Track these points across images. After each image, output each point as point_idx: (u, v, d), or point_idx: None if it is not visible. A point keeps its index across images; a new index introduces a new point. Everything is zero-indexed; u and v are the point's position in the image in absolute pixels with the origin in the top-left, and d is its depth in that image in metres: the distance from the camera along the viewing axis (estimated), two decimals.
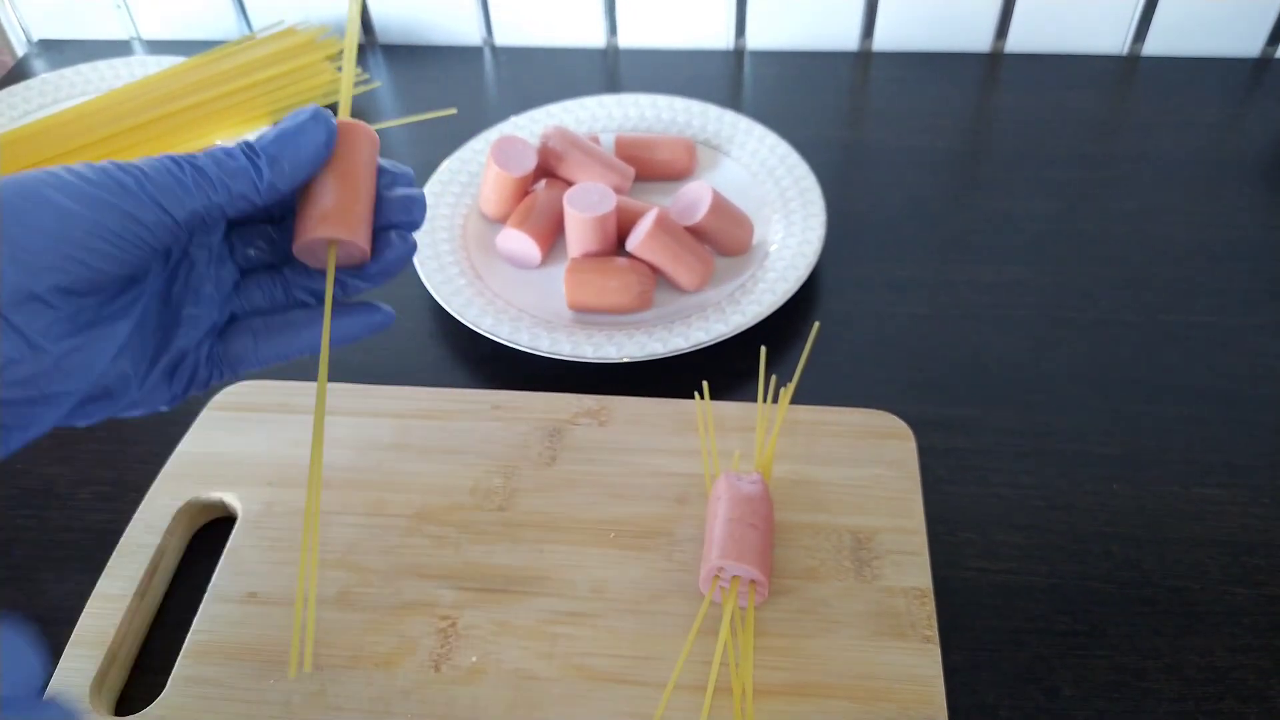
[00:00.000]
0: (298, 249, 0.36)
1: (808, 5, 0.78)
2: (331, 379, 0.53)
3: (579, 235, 0.57)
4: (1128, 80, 0.76)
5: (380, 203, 0.37)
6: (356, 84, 0.76)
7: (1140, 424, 0.51)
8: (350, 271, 0.38)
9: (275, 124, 0.35)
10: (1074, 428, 0.51)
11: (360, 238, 0.35)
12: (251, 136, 0.35)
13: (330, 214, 0.35)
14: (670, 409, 0.50)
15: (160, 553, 0.45)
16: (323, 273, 0.38)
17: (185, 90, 0.71)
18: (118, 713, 0.41)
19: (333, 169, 0.35)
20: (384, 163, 0.38)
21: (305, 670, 0.40)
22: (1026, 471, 0.49)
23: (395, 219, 0.37)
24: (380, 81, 0.80)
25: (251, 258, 0.38)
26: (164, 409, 0.37)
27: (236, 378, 0.38)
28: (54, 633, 0.44)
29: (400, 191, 0.37)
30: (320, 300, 0.39)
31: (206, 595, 0.44)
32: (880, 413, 0.49)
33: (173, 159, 0.32)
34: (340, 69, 0.76)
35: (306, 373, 0.55)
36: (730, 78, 0.79)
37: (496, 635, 0.42)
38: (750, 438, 0.48)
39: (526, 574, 0.44)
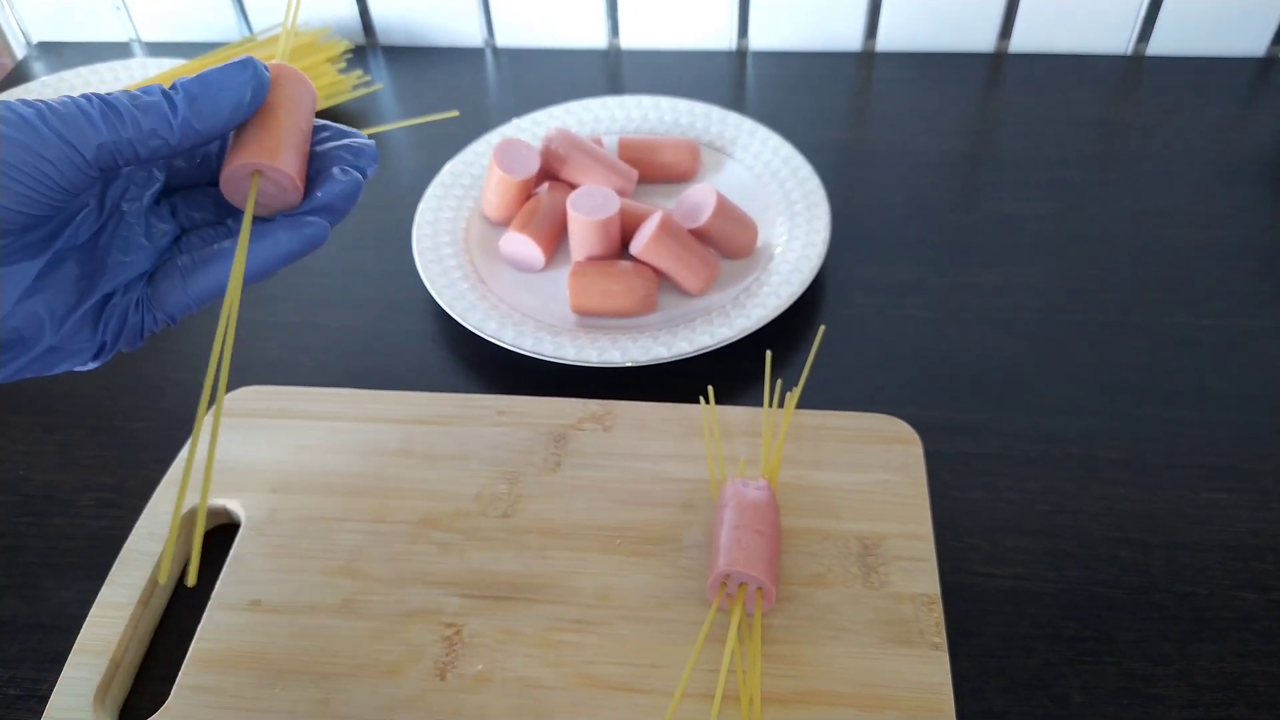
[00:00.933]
0: (224, 184, 0.35)
1: (810, 5, 0.78)
2: (334, 384, 0.52)
3: (582, 238, 0.57)
4: (1132, 80, 0.76)
5: (322, 149, 0.36)
6: (356, 86, 0.76)
7: (1148, 428, 0.51)
8: (287, 214, 0.36)
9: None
10: (1081, 432, 0.51)
11: (286, 166, 0.34)
12: None
13: (252, 142, 0.34)
14: (675, 414, 0.50)
15: (168, 556, 0.45)
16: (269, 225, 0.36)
17: None
18: None
19: (265, 110, 0.34)
20: (338, 126, 0.37)
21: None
22: (1034, 476, 0.49)
23: (337, 160, 0.36)
24: (382, 84, 0.79)
25: (195, 219, 0.38)
26: (93, 364, 0.36)
27: (170, 323, 0.37)
28: (56, 641, 0.43)
29: (350, 140, 0.36)
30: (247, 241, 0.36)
31: (210, 603, 0.43)
32: (887, 417, 0.49)
33: (84, 96, 0.31)
34: (342, 71, 0.76)
35: (310, 378, 0.54)
36: (733, 79, 0.79)
37: (502, 643, 0.41)
38: (756, 443, 0.48)
39: (532, 581, 0.43)
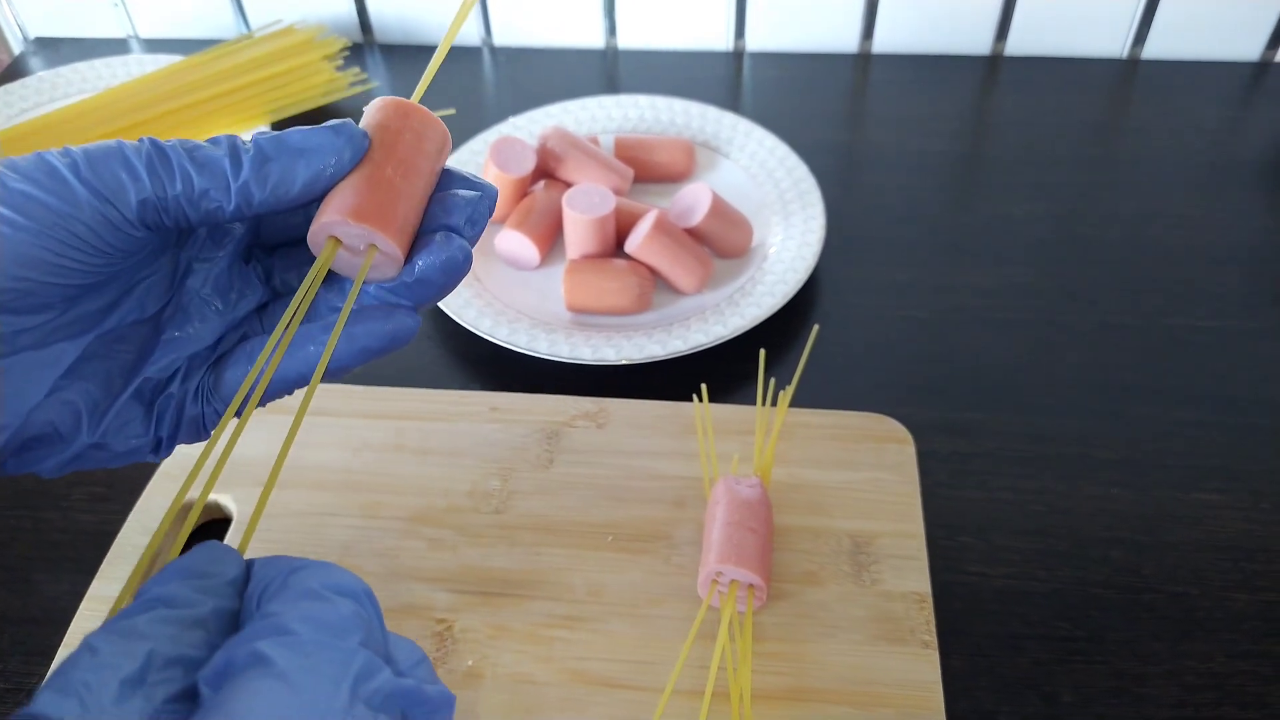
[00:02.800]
0: (311, 239, 0.28)
1: (807, 7, 0.78)
2: (328, 380, 0.52)
3: (578, 237, 0.57)
4: (1128, 83, 0.76)
5: (432, 203, 0.29)
6: (352, 84, 0.76)
7: (1140, 428, 0.51)
8: (382, 284, 0.29)
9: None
10: (1074, 432, 0.51)
11: (380, 225, 0.27)
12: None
13: (340, 198, 0.27)
14: (669, 412, 0.50)
15: (155, 555, 0.45)
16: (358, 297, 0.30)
17: (183, 89, 0.71)
18: None
19: (370, 160, 0.28)
20: (460, 171, 0.31)
21: None
22: (1026, 476, 0.49)
23: (441, 221, 0.29)
24: (378, 81, 0.79)
25: (290, 283, 0.31)
26: (152, 457, 0.30)
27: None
28: (47, 634, 0.43)
29: (458, 192, 0.29)
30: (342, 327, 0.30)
31: None
32: (880, 416, 0.49)
33: (140, 140, 0.27)
34: (339, 68, 0.76)
35: None
36: (729, 79, 0.79)
37: (493, 639, 0.41)
38: (749, 441, 0.48)
39: (523, 577, 0.43)
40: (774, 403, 0.48)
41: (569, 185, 0.61)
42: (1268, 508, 0.47)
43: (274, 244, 0.31)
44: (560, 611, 0.42)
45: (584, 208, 0.56)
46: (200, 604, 0.22)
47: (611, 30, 0.81)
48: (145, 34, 0.86)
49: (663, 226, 0.56)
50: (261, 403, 0.29)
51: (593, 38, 0.82)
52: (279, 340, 0.28)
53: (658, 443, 0.48)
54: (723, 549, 0.41)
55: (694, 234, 0.58)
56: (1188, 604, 0.44)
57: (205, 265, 0.30)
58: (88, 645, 0.20)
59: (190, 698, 0.21)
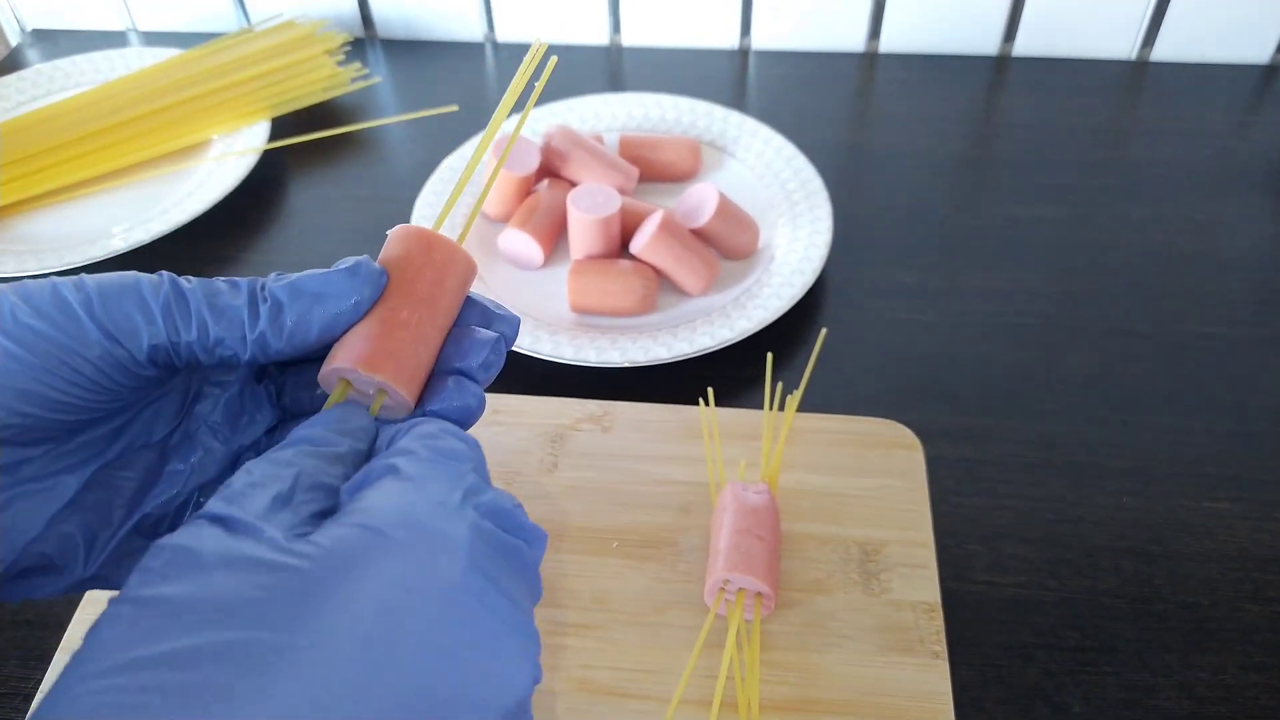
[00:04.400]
0: (321, 379, 0.27)
1: (814, 6, 0.77)
2: None
3: (582, 237, 0.57)
4: (1136, 86, 0.75)
5: (448, 342, 0.28)
6: (354, 79, 0.75)
7: (1150, 436, 0.50)
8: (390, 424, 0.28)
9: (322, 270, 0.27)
10: (1083, 439, 0.50)
11: (391, 374, 0.26)
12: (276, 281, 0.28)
13: (351, 344, 0.27)
14: (674, 415, 0.49)
15: None
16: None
17: (182, 83, 0.70)
18: None
19: (387, 297, 0.27)
20: (483, 300, 0.29)
21: None
22: (1035, 483, 0.48)
23: (457, 363, 0.28)
24: (380, 77, 0.78)
25: (302, 402, 0.30)
26: None
27: None
28: (43, 638, 0.43)
29: (476, 331, 0.28)
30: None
31: None
32: (888, 422, 0.48)
33: (157, 276, 0.26)
34: (340, 63, 0.75)
35: None
36: (735, 78, 0.78)
37: None
38: (756, 446, 0.48)
39: None
40: (781, 407, 0.47)
41: (573, 184, 0.60)
42: None
43: (286, 363, 0.30)
44: (566, 619, 0.42)
45: (588, 207, 0.56)
46: (338, 443, 0.25)
47: (616, 28, 0.81)
48: (144, 27, 0.85)
49: (669, 227, 0.55)
50: None
51: (598, 35, 0.81)
52: None
53: (663, 447, 0.48)
54: (730, 557, 0.40)
55: (700, 235, 0.57)
56: (1199, 614, 0.43)
57: (217, 390, 0.29)
58: (245, 469, 0.23)
59: (329, 515, 0.23)
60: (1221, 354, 0.54)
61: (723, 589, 0.41)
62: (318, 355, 0.28)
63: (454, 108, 0.70)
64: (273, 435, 0.30)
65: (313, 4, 0.81)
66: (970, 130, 0.72)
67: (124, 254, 0.61)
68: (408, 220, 0.61)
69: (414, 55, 0.82)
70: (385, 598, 0.21)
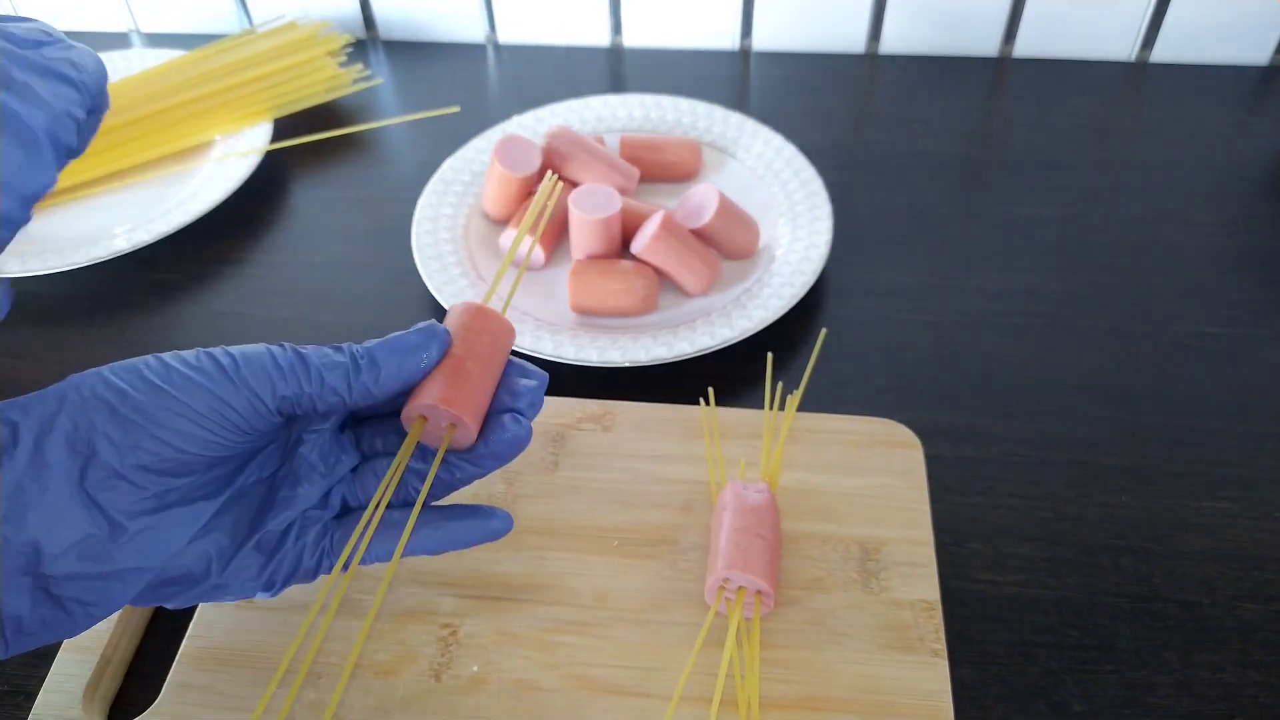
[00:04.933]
0: (404, 417, 0.35)
1: (814, 7, 0.77)
2: None
3: (583, 237, 0.57)
4: (1136, 87, 0.75)
5: (499, 389, 0.37)
6: (355, 80, 0.76)
7: (1150, 435, 0.50)
8: (458, 453, 0.37)
9: (395, 335, 0.36)
10: (1083, 439, 0.50)
11: (462, 410, 0.35)
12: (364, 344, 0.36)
13: (434, 386, 0.35)
14: (675, 415, 0.49)
15: None
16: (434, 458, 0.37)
17: (185, 84, 0.71)
18: (111, 719, 0.41)
19: (455, 351, 0.36)
20: (518, 361, 0.38)
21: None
22: (1035, 483, 0.48)
23: (509, 404, 0.37)
24: (381, 78, 0.79)
25: (378, 447, 0.38)
26: (263, 595, 0.36)
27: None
28: None
29: (521, 381, 0.37)
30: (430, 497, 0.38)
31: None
32: (888, 421, 0.48)
33: (280, 346, 0.34)
34: (342, 65, 0.76)
35: None
36: (736, 79, 0.78)
37: (498, 644, 0.41)
38: (756, 445, 0.48)
39: (528, 582, 0.43)
40: (781, 407, 0.47)
41: (574, 185, 0.60)
42: (1279, 516, 0.47)
43: (364, 417, 0.39)
44: (566, 617, 0.42)
45: (589, 208, 0.56)
46: None
47: (617, 29, 0.81)
48: (146, 28, 0.85)
49: (670, 227, 0.56)
50: (372, 563, 0.37)
51: (599, 36, 0.81)
52: (371, 518, 0.36)
53: (664, 446, 0.48)
54: (730, 555, 0.40)
55: (701, 235, 0.57)
56: (1199, 613, 0.43)
57: (314, 435, 0.36)
58: None
59: None
60: (1221, 354, 0.54)
61: (723, 587, 0.41)
62: (390, 410, 0.38)
63: (456, 109, 0.71)
64: (355, 473, 0.38)
65: (315, 5, 0.81)
66: (970, 131, 0.72)
67: (127, 254, 0.61)
68: (409, 221, 0.62)
69: (416, 57, 0.82)
70: None
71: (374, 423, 0.39)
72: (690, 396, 0.50)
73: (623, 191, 0.60)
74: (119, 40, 0.85)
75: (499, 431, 0.36)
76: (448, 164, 0.65)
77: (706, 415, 0.49)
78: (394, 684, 0.40)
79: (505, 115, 0.70)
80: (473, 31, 0.82)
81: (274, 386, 0.33)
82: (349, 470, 0.38)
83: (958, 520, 0.47)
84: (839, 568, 0.43)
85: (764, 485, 0.44)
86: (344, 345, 0.35)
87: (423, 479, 0.37)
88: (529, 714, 0.39)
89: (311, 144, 0.71)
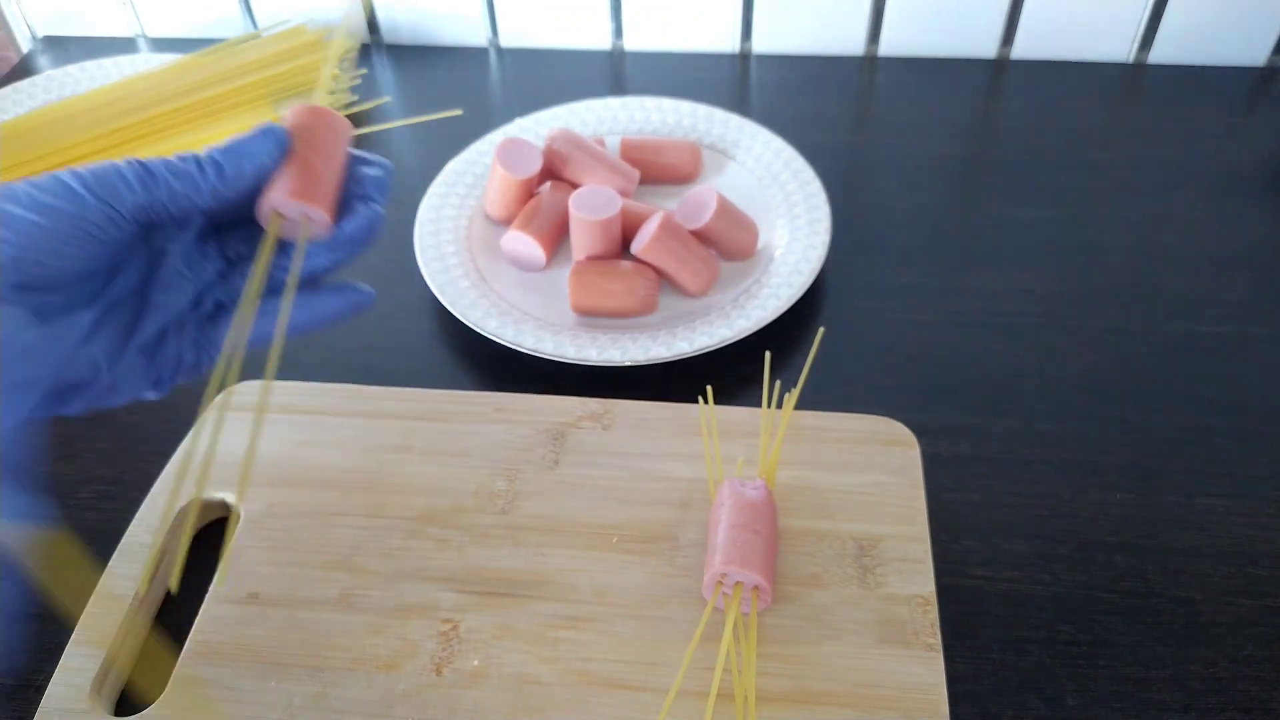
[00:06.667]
0: (260, 216, 0.38)
1: (814, 9, 0.78)
2: (334, 380, 0.53)
3: (584, 238, 0.57)
4: (1134, 88, 0.76)
5: (347, 182, 0.39)
6: (352, 85, 0.76)
7: (1145, 434, 0.51)
8: (317, 244, 0.39)
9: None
10: (1078, 437, 0.51)
11: (311, 200, 0.37)
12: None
13: (283, 182, 0.37)
14: (674, 413, 0.50)
15: (161, 552, 0.45)
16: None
17: (190, 87, 0.71)
18: (117, 713, 0.41)
19: (296, 153, 0.38)
20: (359, 153, 0.40)
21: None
22: (1030, 480, 0.49)
23: (357, 192, 0.39)
24: (385, 80, 0.79)
25: (242, 252, 0.41)
26: (152, 395, 0.39)
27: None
28: (54, 632, 0.43)
29: (366, 170, 0.40)
30: (297, 282, 0.40)
31: (208, 596, 0.43)
32: (885, 419, 0.49)
33: (125, 161, 0.35)
34: (341, 69, 0.76)
35: (308, 374, 0.54)
36: (736, 81, 0.79)
37: (498, 639, 0.41)
38: (754, 443, 0.48)
39: (529, 578, 0.44)
40: (779, 405, 0.48)
41: (575, 187, 0.61)
42: (1272, 513, 0.47)
43: (223, 225, 0.40)
44: (565, 612, 0.42)
45: (590, 209, 0.56)
46: None
47: (618, 32, 0.82)
48: (153, 33, 0.86)
49: (669, 228, 0.56)
50: (248, 350, 0.38)
51: (599, 39, 0.82)
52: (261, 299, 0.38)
53: (663, 444, 0.49)
54: (727, 551, 0.41)
55: (700, 236, 0.58)
56: (1192, 609, 0.44)
57: (176, 245, 0.38)
58: None
59: None
60: (1216, 353, 0.55)
61: (720, 583, 0.41)
62: (248, 215, 0.38)
63: (458, 112, 0.71)
64: (224, 277, 0.40)
65: (318, 9, 0.82)
66: (968, 132, 0.72)
67: None
68: (411, 223, 0.62)
69: (419, 61, 0.82)
70: None
71: (236, 230, 0.40)
72: (689, 395, 0.50)
73: (623, 193, 0.61)
74: (126, 45, 0.86)
75: (351, 218, 0.38)
76: (450, 166, 0.66)
77: (705, 414, 0.49)
78: (395, 678, 0.40)
79: (507, 118, 0.70)
80: (475, 36, 0.83)
81: (124, 196, 0.35)
82: (217, 275, 0.40)
83: (953, 517, 0.47)
84: (836, 564, 0.44)
85: (761, 482, 0.44)
86: (186, 154, 0.36)
87: (288, 273, 0.39)
88: (529, 708, 0.39)
89: None
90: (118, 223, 0.35)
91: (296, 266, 0.38)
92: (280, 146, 0.37)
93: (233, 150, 0.37)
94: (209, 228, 0.40)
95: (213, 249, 0.40)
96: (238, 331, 0.38)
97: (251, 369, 0.51)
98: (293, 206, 0.37)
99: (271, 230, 0.38)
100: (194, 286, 0.39)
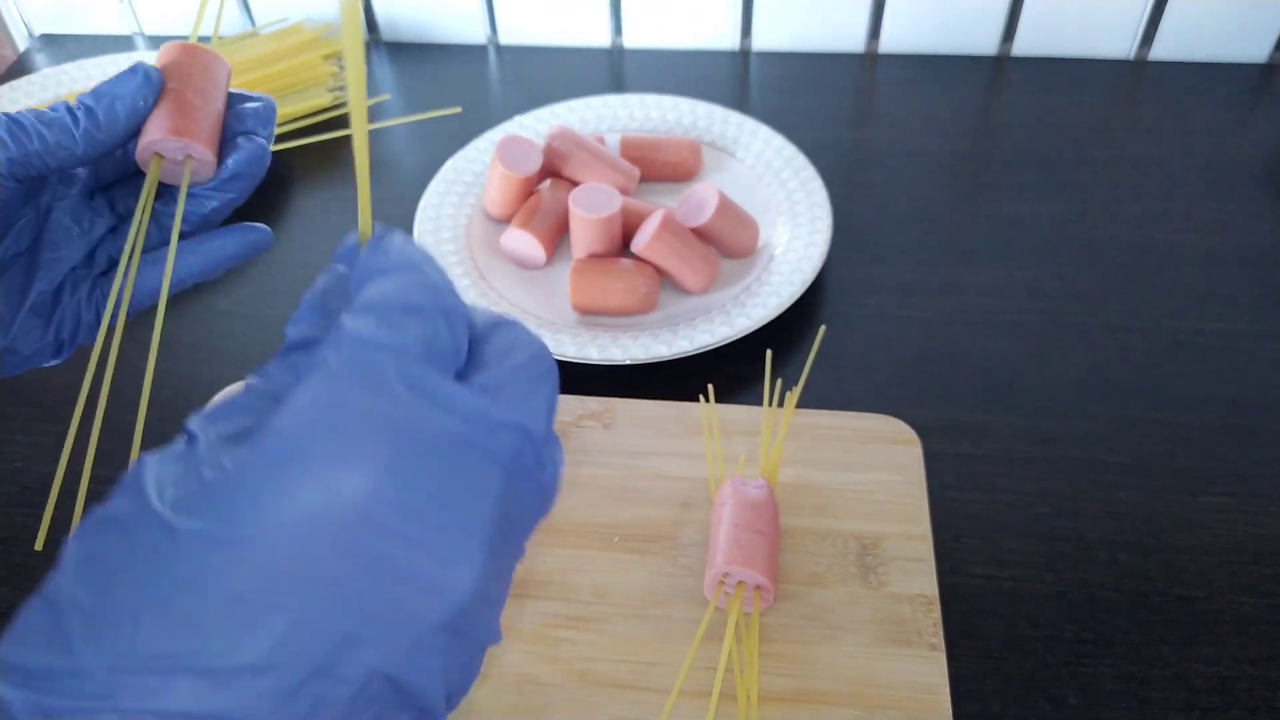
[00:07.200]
0: (139, 159, 0.36)
1: (814, 6, 0.78)
2: None
3: (584, 236, 0.57)
4: (1135, 85, 0.76)
5: (228, 119, 0.38)
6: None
7: (1147, 431, 0.51)
8: (204, 185, 0.37)
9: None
10: (1081, 435, 0.51)
11: (192, 137, 0.35)
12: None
13: (159, 119, 0.35)
14: (675, 412, 0.50)
15: None
16: (187, 200, 0.38)
17: None
18: None
19: (171, 93, 0.36)
20: (240, 91, 0.39)
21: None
22: (1033, 478, 0.49)
23: (238, 128, 0.37)
24: (384, 78, 0.79)
25: (132, 207, 0.39)
26: (55, 360, 0.38)
27: (128, 317, 0.38)
28: None
29: (246, 105, 0.38)
30: (186, 230, 0.38)
31: None
32: (886, 418, 0.49)
33: None
34: (341, 67, 0.76)
35: None
36: (736, 79, 0.79)
37: None
38: (755, 442, 0.48)
39: (529, 577, 0.43)
40: (781, 404, 0.48)
41: (575, 184, 0.61)
42: (1275, 511, 0.47)
43: (111, 181, 0.39)
44: (567, 612, 0.42)
45: (590, 207, 0.56)
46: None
47: (618, 29, 0.81)
48: (150, 31, 0.86)
49: (670, 226, 0.56)
50: (131, 311, 0.37)
51: (599, 37, 0.82)
52: (133, 250, 0.37)
53: (664, 443, 0.48)
54: (729, 550, 0.41)
55: (700, 234, 0.58)
56: (1194, 607, 0.44)
57: (62, 202, 0.37)
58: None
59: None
60: (1218, 350, 0.55)
61: (722, 582, 0.41)
62: (128, 169, 0.38)
63: (457, 110, 0.71)
64: (115, 232, 0.39)
65: (317, 8, 0.82)
66: (969, 129, 0.72)
67: None
68: (411, 221, 0.62)
69: (418, 59, 0.82)
70: (294, 509, 0.20)
71: (123, 185, 0.39)
72: (690, 394, 0.50)
73: (623, 191, 0.61)
74: (123, 43, 0.85)
75: (236, 153, 0.37)
76: (449, 164, 0.66)
77: (706, 412, 0.49)
78: None
79: (507, 116, 0.70)
80: (475, 33, 0.83)
81: None
82: (108, 230, 0.38)
83: (956, 515, 0.47)
84: (838, 563, 0.43)
85: (763, 481, 0.44)
86: (59, 103, 0.35)
87: (183, 223, 0.37)
88: (529, 708, 0.39)
89: (314, 145, 0.71)
90: None
91: (180, 205, 0.36)
92: (151, 84, 0.36)
93: (102, 93, 0.35)
94: (96, 184, 0.39)
95: (101, 204, 0.39)
96: (123, 282, 0.36)
97: (243, 370, 0.51)
98: (171, 145, 0.35)
99: (152, 173, 0.36)
100: (85, 243, 0.38)
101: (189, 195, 0.37)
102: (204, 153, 0.36)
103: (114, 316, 0.36)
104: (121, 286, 0.37)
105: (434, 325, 0.22)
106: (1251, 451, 0.49)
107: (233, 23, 0.84)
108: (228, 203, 0.38)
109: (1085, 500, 0.48)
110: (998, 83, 0.77)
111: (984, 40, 0.78)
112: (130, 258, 0.37)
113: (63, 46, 0.85)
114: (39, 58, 0.84)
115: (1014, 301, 0.58)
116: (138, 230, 0.37)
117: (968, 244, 0.62)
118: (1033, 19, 0.76)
